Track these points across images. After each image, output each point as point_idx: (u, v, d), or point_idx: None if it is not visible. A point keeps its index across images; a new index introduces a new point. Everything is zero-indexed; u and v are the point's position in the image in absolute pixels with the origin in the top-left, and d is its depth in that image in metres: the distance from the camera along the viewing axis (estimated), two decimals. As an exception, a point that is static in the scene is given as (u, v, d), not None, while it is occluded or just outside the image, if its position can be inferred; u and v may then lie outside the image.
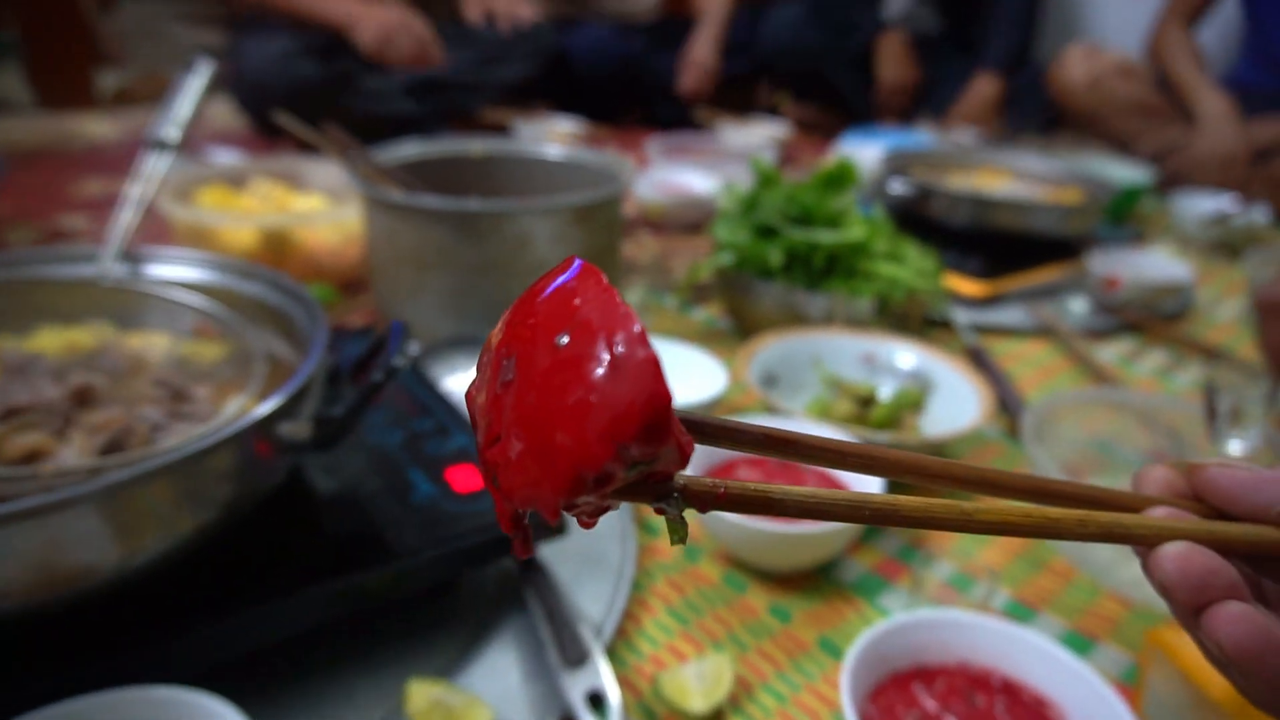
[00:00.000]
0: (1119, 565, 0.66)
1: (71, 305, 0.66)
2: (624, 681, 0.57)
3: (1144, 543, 0.29)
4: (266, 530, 0.56)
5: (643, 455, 0.20)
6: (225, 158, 1.52)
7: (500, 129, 1.95)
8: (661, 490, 0.22)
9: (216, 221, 1.03)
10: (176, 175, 1.08)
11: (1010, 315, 1.17)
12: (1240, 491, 0.30)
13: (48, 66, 2.30)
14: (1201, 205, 1.54)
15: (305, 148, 1.55)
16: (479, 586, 0.63)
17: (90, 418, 0.52)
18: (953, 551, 0.72)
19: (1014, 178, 1.46)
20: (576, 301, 0.21)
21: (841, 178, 1.00)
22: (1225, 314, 1.27)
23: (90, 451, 0.49)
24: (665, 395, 0.20)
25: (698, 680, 0.55)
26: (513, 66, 2.00)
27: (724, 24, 2.23)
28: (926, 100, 2.29)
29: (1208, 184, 1.69)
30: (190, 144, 0.76)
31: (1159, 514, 0.30)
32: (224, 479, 0.49)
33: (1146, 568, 0.29)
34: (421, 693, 0.51)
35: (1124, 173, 1.61)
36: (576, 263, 0.22)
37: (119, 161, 1.72)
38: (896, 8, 2.29)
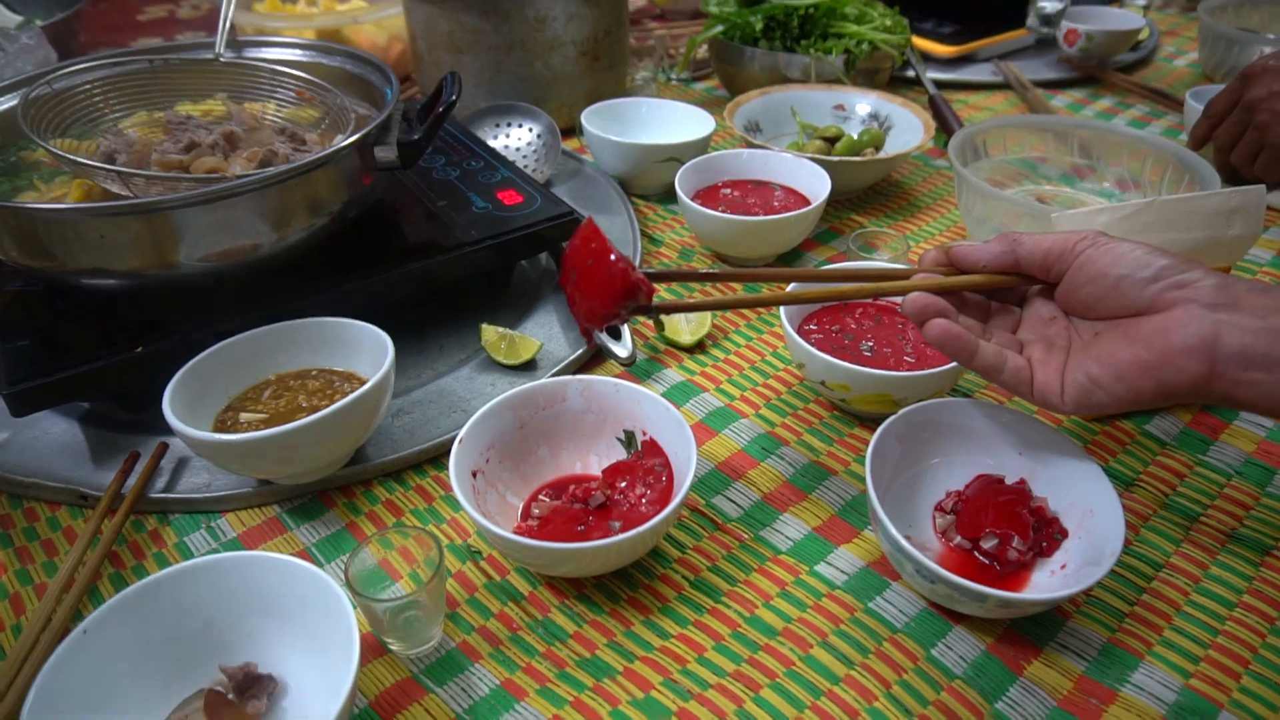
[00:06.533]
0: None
1: (197, 85, 0.85)
2: (635, 331, 0.79)
3: (899, 294, 0.53)
4: (370, 234, 0.78)
5: (629, 301, 0.49)
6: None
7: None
8: (645, 310, 0.50)
9: (278, 24, 1.20)
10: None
11: (976, 72, 1.31)
12: (965, 258, 0.53)
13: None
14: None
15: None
16: (528, 280, 0.85)
17: (241, 153, 0.73)
18: (893, 246, 0.91)
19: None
20: (593, 245, 0.50)
21: (817, -51, 1.13)
22: (1181, 64, 1.39)
23: (250, 168, 0.70)
24: (632, 279, 0.48)
25: (686, 323, 0.77)
26: None
27: None
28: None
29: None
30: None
31: (915, 278, 0.53)
32: (340, 183, 0.70)
33: (902, 308, 0.51)
34: (490, 331, 0.74)
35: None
36: (589, 222, 0.51)
37: (169, -14, 1.85)
38: None
